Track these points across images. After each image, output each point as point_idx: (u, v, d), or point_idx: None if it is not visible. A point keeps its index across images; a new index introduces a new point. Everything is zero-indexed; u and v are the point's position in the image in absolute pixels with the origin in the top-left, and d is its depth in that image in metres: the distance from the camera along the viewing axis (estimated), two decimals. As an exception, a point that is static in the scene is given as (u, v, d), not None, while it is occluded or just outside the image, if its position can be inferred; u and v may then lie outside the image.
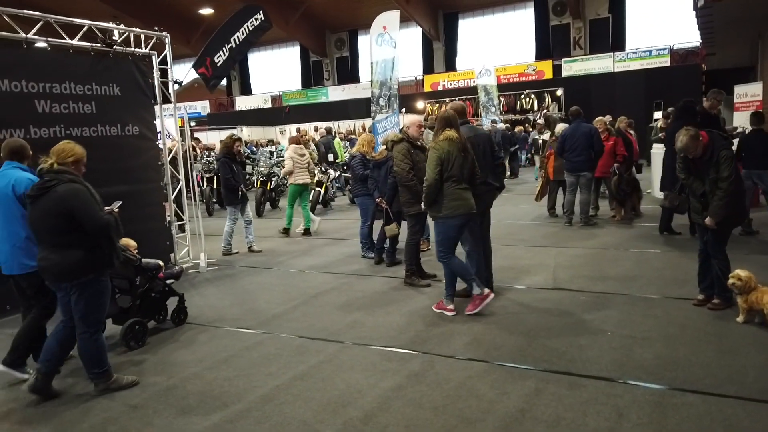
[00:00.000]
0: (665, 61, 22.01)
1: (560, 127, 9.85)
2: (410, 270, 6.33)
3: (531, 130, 19.80)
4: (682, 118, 6.99)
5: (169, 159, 8.06)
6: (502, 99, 21.65)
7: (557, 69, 23.83)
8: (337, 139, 14.96)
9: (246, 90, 33.36)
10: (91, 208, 3.80)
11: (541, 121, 15.64)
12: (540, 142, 13.82)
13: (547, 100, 21.96)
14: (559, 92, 21.74)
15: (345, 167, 14.30)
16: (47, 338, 4.14)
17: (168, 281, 5.41)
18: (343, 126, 23.61)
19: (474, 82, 21.13)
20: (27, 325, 4.35)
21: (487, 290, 5.24)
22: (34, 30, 6.38)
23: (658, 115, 16.79)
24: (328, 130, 15.81)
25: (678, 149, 4.83)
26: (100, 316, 4.04)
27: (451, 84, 25.78)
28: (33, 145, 6.12)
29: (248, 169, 12.90)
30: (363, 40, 29.40)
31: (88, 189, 3.87)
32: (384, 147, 7.15)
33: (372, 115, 12.50)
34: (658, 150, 11.72)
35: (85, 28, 6.86)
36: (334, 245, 8.86)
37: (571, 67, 23.62)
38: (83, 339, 3.94)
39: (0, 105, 5.91)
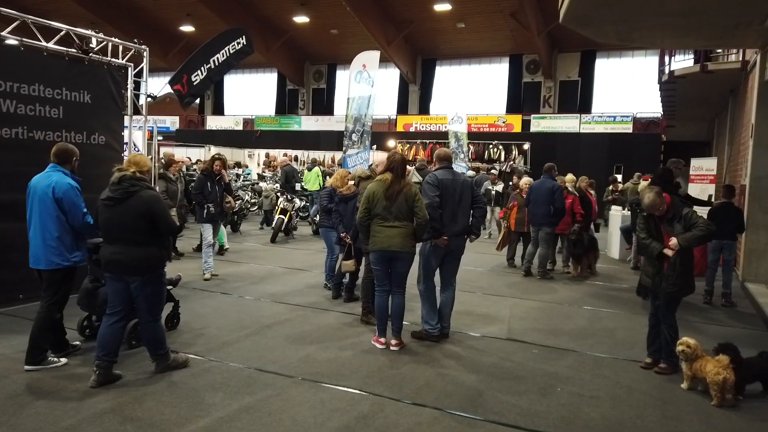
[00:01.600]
0: (628, 128, 22.98)
1: (525, 181, 10.10)
2: (366, 308, 6.29)
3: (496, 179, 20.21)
4: (659, 186, 7.20)
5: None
6: (471, 147, 22.13)
7: (526, 124, 24.58)
8: (316, 169, 14.89)
9: (218, 110, 33.17)
10: (167, 213, 4.44)
11: (495, 171, 15.74)
12: (493, 193, 13.95)
13: (514, 152, 22.55)
14: (526, 146, 22.37)
15: (312, 198, 14.26)
16: (102, 330, 4.35)
17: (167, 287, 5.51)
18: (312, 156, 23.64)
19: (445, 127, 21.58)
20: (41, 323, 4.55)
21: (383, 340, 5.45)
22: (10, 28, 6.25)
23: (619, 177, 17.46)
24: (314, 161, 15.79)
25: (645, 206, 5.01)
26: (162, 305, 4.62)
27: (423, 126, 26.23)
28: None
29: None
30: (341, 75, 29.76)
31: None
32: (352, 182, 7.19)
33: (344, 148, 12.60)
34: (616, 212, 12.14)
35: (62, 33, 6.77)
36: (293, 275, 8.74)
37: (540, 124, 24.40)
38: (149, 326, 4.45)
39: (-37, 99, 5.73)
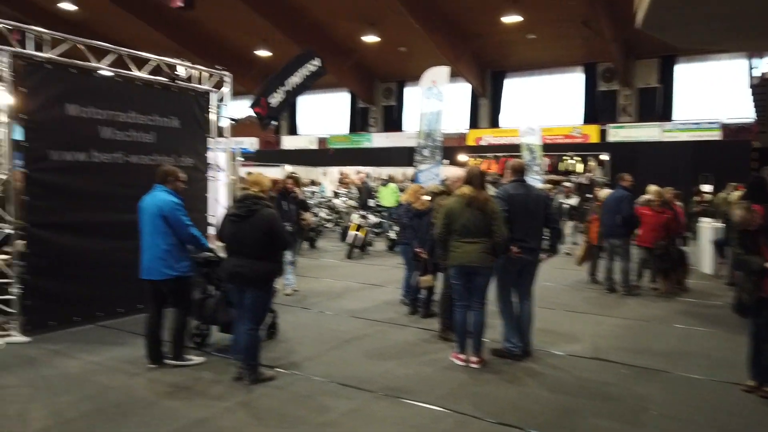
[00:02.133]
0: (715, 135, 21.69)
1: (605, 192, 9.74)
2: (445, 324, 6.23)
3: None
4: (753, 196, 6.74)
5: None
6: (546, 159, 21.62)
7: (603, 134, 23.73)
8: (391, 185, 15.05)
9: (293, 130, 34.22)
10: (284, 230, 4.87)
11: (568, 184, 15.13)
12: (566, 206, 13.41)
13: (591, 163, 21.83)
14: (604, 157, 21.59)
15: (387, 213, 14.37)
16: (237, 337, 4.85)
17: None
18: (384, 172, 23.92)
19: (517, 140, 21.22)
20: (178, 324, 5.15)
21: (463, 356, 5.36)
22: (107, 61, 6.74)
23: (707, 188, 16.46)
24: (390, 177, 16.03)
25: (737, 224, 4.73)
26: (265, 316, 4.95)
27: (494, 140, 25.90)
28: (92, 168, 6.48)
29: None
30: (409, 91, 29.97)
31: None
32: (427, 197, 7.21)
33: (415, 164, 12.67)
34: (706, 224, 11.44)
35: (152, 63, 7.23)
36: (370, 290, 8.82)
37: (618, 133, 23.49)
38: (251, 334, 4.71)
39: (67, 128, 6.24)
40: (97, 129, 6.54)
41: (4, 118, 5.87)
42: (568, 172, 21.79)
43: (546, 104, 26.52)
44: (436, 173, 12.77)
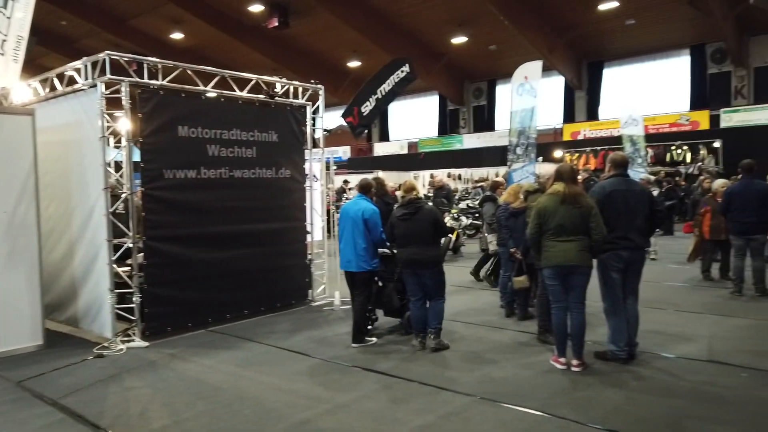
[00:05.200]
0: None
1: (721, 183, 9.05)
2: (543, 326, 6.08)
3: (682, 183, 18.33)
4: None
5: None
6: (650, 150, 20.37)
7: (714, 119, 21.95)
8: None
9: (384, 137, 34.71)
10: (443, 221, 6.15)
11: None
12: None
13: (702, 152, 20.29)
14: (717, 144, 19.97)
15: (477, 215, 14.23)
16: (413, 313, 5.91)
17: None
18: (476, 173, 23.66)
19: (618, 131, 20.16)
20: (359, 313, 6.11)
21: (563, 360, 5.23)
22: (212, 84, 7.24)
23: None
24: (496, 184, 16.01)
25: None
26: (445, 289, 5.94)
27: (592, 133, 24.79)
28: (201, 184, 6.95)
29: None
30: (501, 89, 29.46)
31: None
32: (522, 197, 7.06)
33: (508, 163, 12.44)
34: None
35: (252, 82, 7.66)
36: (464, 293, 8.76)
37: (731, 118, 21.63)
38: (438, 303, 5.84)
39: (180, 148, 6.73)
40: (205, 147, 6.99)
41: (124, 142, 6.48)
42: (675, 163, 20.39)
43: (649, 92, 25.01)
44: (530, 171, 12.44)
